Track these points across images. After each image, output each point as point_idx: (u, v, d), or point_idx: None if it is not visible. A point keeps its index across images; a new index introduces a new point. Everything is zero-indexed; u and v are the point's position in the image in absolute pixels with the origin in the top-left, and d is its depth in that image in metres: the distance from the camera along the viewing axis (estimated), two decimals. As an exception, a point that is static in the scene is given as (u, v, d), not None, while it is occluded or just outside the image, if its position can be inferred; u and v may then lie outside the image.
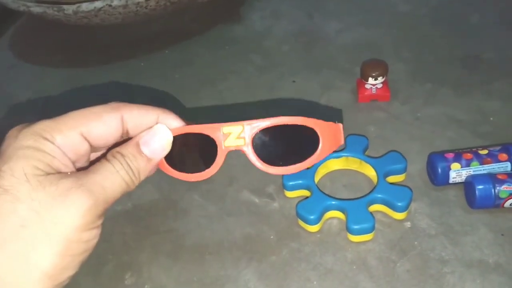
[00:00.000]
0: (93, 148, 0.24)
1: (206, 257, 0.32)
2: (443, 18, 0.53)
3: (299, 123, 0.26)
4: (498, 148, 0.32)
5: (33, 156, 0.21)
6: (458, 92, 0.42)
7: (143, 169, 0.25)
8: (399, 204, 0.30)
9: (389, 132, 0.39)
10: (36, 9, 0.48)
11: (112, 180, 0.23)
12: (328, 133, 0.27)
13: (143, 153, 0.24)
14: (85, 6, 0.46)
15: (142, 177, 0.25)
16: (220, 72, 0.50)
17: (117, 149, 0.24)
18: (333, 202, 0.31)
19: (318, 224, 0.31)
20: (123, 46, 0.57)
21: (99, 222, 0.23)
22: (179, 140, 0.26)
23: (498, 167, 0.32)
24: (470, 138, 0.38)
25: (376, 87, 0.40)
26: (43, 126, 0.23)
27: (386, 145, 0.37)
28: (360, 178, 0.35)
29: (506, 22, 0.50)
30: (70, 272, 0.22)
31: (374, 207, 0.32)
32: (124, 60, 0.54)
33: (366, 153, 0.36)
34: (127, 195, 0.36)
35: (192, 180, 0.27)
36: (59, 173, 0.22)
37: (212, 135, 0.25)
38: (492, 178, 0.30)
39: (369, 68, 0.40)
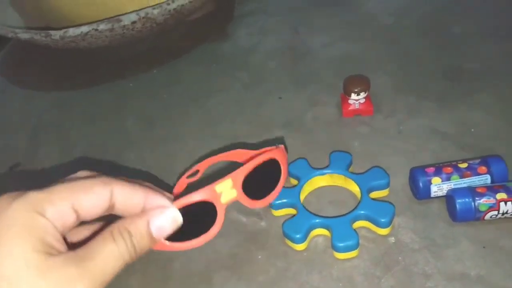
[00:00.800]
0: (78, 220, 0.23)
1: (195, 279, 0.32)
2: (425, 30, 0.54)
3: (271, 157, 0.29)
4: (477, 161, 0.33)
5: (30, 236, 0.20)
6: (441, 104, 0.43)
7: (146, 248, 0.24)
8: (382, 220, 0.31)
9: (373, 147, 0.39)
10: (24, 35, 0.49)
11: (115, 262, 0.22)
12: (282, 157, 0.30)
13: (152, 234, 0.24)
14: (72, 31, 0.47)
15: (141, 255, 0.24)
16: (208, 90, 0.51)
17: (125, 225, 0.23)
18: (318, 220, 0.32)
19: (304, 243, 0.32)
20: (111, 67, 0.57)
21: None
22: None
23: (479, 180, 0.33)
24: (453, 151, 0.38)
25: (359, 102, 0.41)
26: (35, 198, 0.21)
27: (370, 159, 0.38)
28: (345, 194, 0.35)
29: (487, 33, 0.51)
30: None
31: (358, 224, 0.32)
32: (112, 81, 0.55)
33: (350, 169, 0.36)
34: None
35: (201, 244, 0.27)
36: (58, 256, 0.21)
37: (208, 199, 0.26)
38: (472, 192, 0.31)
39: (351, 84, 0.41)
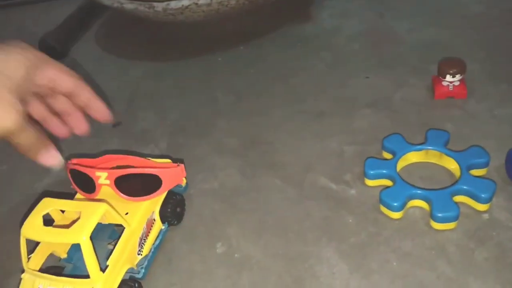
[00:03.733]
0: None
1: (289, 234, 0.34)
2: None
3: (152, 173, 0.33)
4: None
5: None
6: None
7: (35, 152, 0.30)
8: (483, 195, 0.31)
9: (466, 129, 0.40)
10: (129, 5, 0.53)
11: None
12: (167, 177, 0.34)
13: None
14: (173, 4, 0.51)
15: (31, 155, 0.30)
16: (292, 68, 0.53)
17: None
18: (418, 192, 0.33)
19: (401, 212, 0.33)
20: (200, 43, 0.61)
21: None
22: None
23: None
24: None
25: (453, 85, 0.41)
26: None
27: (464, 141, 0.38)
28: (439, 171, 0.36)
29: None
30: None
31: (457, 198, 0.33)
32: (201, 56, 0.58)
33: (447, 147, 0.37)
34: (213, 176, 0.40)
35: (83, 196, 0.34)
36: None
37: (92, 176, 0.33)
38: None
39: (447, 65, 0.41)
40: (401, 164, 0.36)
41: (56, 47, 0.63)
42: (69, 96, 0.33)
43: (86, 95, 0.33)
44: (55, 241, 0.30)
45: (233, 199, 0.38)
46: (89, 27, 0.69)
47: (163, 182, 0.33)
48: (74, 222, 0.29)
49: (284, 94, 0.50)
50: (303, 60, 0.54)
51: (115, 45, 0.66)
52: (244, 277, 0.32)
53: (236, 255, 0.34)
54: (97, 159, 0.35)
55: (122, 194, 0.32)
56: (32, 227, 0.29)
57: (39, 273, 0.29)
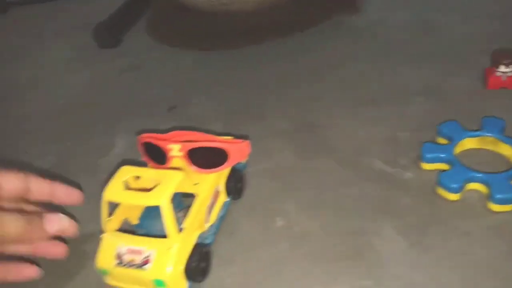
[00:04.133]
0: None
1: (346, 211, 0.36)
2: None
3: (220, 147, 0.35)
4: None
5: None
6: None
7: (39, 231, 0.30)
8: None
9: (521, 119, 0.40)
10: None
11: (9, 221, 0.28)
12: (234, 151, 0.35)
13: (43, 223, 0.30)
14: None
15: (34, 237, 0.30)
16: (340, 58, 0.54)
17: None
18: (477, 175, 0.34)
19: (459, 194, 0.34)
20: (248, 33, 0.62)
21: None
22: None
23: None
24: None
25: (507, 75, 0.42)
26: None
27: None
28: (494, 157, 0.37)
29: None
30: None
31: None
32: (249, 46, 0.60)
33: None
34: (269, 157, 0.42)
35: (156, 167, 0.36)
36: None
37: (164, 148, 0.35)
38: None
39: (501, 56, 0.42)
40: (457, 149, 0.37)
41: (109, 36, 0.66)
42: (24, 196, 0.32)
43: (45, 187, 0.32)
44: (137, 203, 0.33)
45: (289, 178, 0.40)
46: (140, 16, 0.72)
47: (230, 156, 0.35)
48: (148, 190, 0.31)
49: (335, 81, 0.51)
50: (352, 50, 0.55)
51: (164, 34, 0.68)
52: (305, 248, 0.34)
53: (295, 229, 0.35)
54: (166, 134, 0.38)
55: (193, 166, 0.35)
56: (115, 191, 0.31)
57: (118, 233, 0.32)
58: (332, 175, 0.39)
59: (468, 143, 0.38)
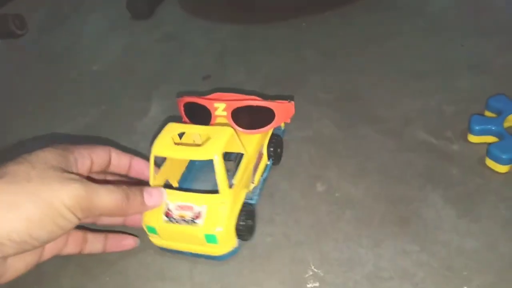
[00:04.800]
0: (92, 165, 0.31)
1: (390, 179, 0.35)
2: None
3: (267, 106, 0.34)
4: None
5: (58, 159, 0.28)
6: None
7: (136, 206, 0.29)
8: None
9: None
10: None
11: (107, 194, 0.27)
12: (280, 111, 0.35)
13: (144, 197, 0.30)
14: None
15: (131, 211, 0.29)
16: (383, 33, 0.53)
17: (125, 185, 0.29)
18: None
19: (508, 166, 0.33)
20: (282, 8, 0.62)
21: (78, 216, 0.26)
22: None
23: None
24: None
25: None
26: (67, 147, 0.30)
27: None
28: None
29: None
30: (38, 235, 0.25)
31: None
32: (286, 20, 0.59)
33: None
34: (309, 125, 0.41)
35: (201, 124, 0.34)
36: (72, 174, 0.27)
37: (208, 107, 0.35)
38: None
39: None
40: (505, 123, 0.36)
41: (142, 7, 0.66)
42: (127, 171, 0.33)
43: (125, 160, 0.33)
44: (187, 158, 0.32)
45: (330, 146, 0.39)
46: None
47: (276, 116, 0.34)
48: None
49: (378, 55, 0.50)
50: (395, 26, 0.54)
51: (197, 7, 0.68)
52: (347, 213, 0.33)
53: (336, 194, 0.35)
54: (209, 95, 0.37)
55: (237, 126, 0.34)
56: (164, 146, 0.31)
57: (166, 189, 0.31)
58: (375, 144, 0.38)
59: (518, 117, 0.36)
